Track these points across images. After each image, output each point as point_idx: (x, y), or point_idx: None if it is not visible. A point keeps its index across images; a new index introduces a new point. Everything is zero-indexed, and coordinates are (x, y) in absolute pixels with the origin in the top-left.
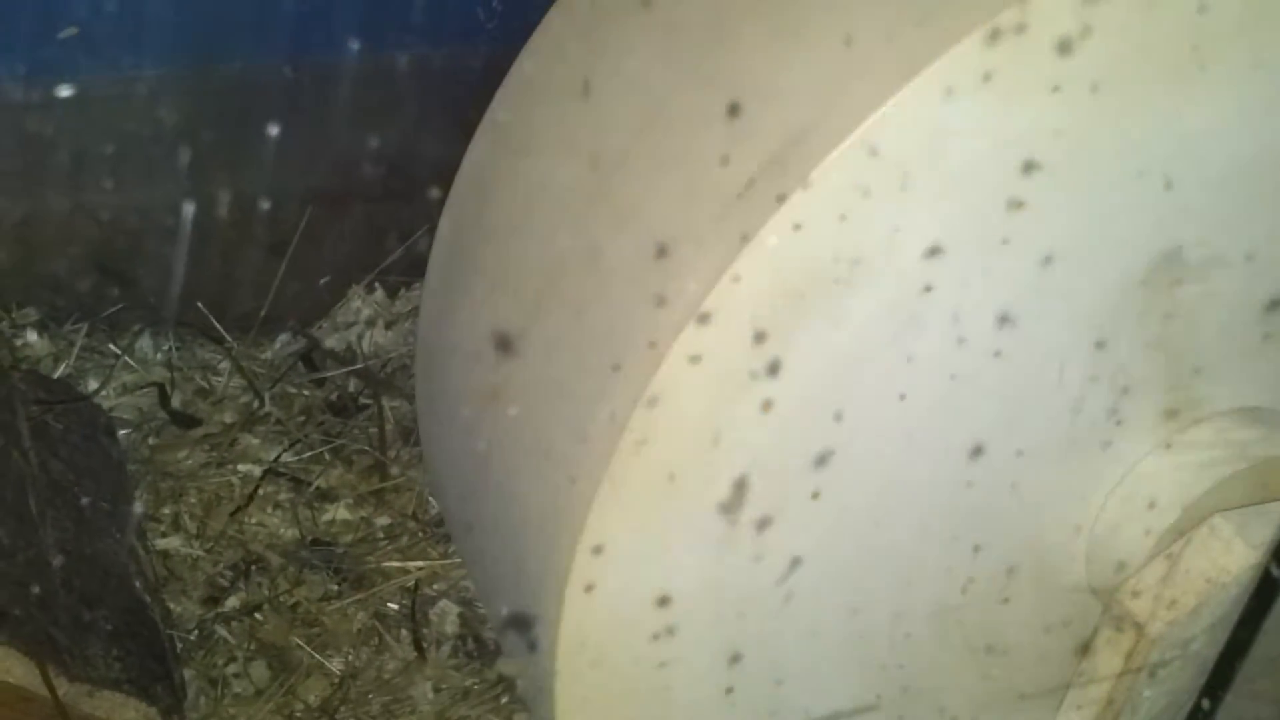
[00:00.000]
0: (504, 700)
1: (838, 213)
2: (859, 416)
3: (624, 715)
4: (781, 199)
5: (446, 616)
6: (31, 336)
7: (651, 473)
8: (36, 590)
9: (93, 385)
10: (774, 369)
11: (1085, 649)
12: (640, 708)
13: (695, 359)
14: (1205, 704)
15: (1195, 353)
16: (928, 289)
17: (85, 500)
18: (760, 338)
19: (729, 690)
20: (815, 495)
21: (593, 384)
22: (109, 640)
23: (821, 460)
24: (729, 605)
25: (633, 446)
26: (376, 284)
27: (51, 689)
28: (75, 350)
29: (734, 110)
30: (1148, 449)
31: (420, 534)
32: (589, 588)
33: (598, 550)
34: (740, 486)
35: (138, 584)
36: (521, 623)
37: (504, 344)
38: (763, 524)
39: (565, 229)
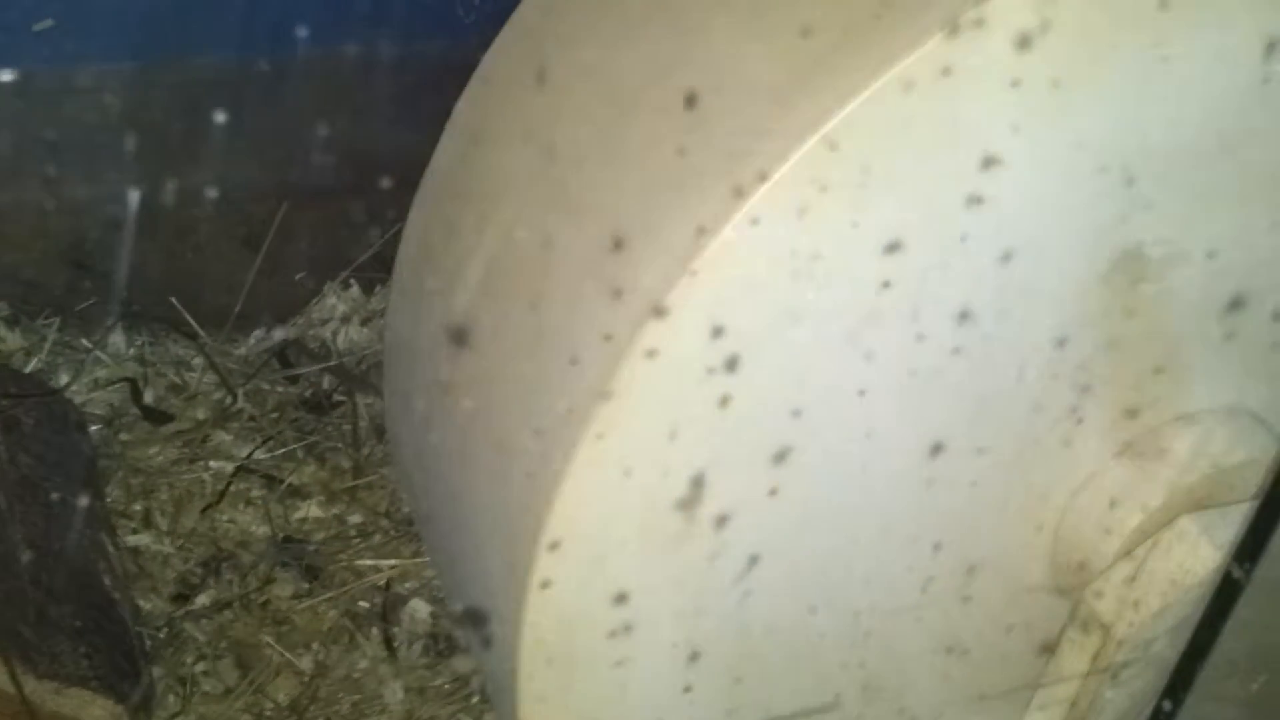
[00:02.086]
0: (474, 700)
1: (796, 207)
2: (818, 413)
3: (581, 713)
4: (739, 193)
5: (417, 615)
6: (3, 331)
7: (608, 468)
8: (3, 586)
9: (64, 380)
10: (732, 364)
11: (1047, 649)
12: (597, 706)
13: (652, 353)
14: (1166, 706)
15: (1156, 351)
16: (886, 285)
17: (55, 496)
18: (718, 332)
19: (687, 688)
20: (774, 492)
21: (548, 378)
22: (77, 637)
23: (780, 457)
24: (687, 603)
25: (589, 441)
26: (352, 280)
27: (18, 686)
28: (47, 345)
29: (691, 101)
30: (1109, 448)
31: (392, 532)
32: (545, 584)
33: (554, 546)
34: (698, 483)
35: (107, 580)
36: (478, 618)
37: (458, 337)
38: (721, 521)
39: (520, 220)
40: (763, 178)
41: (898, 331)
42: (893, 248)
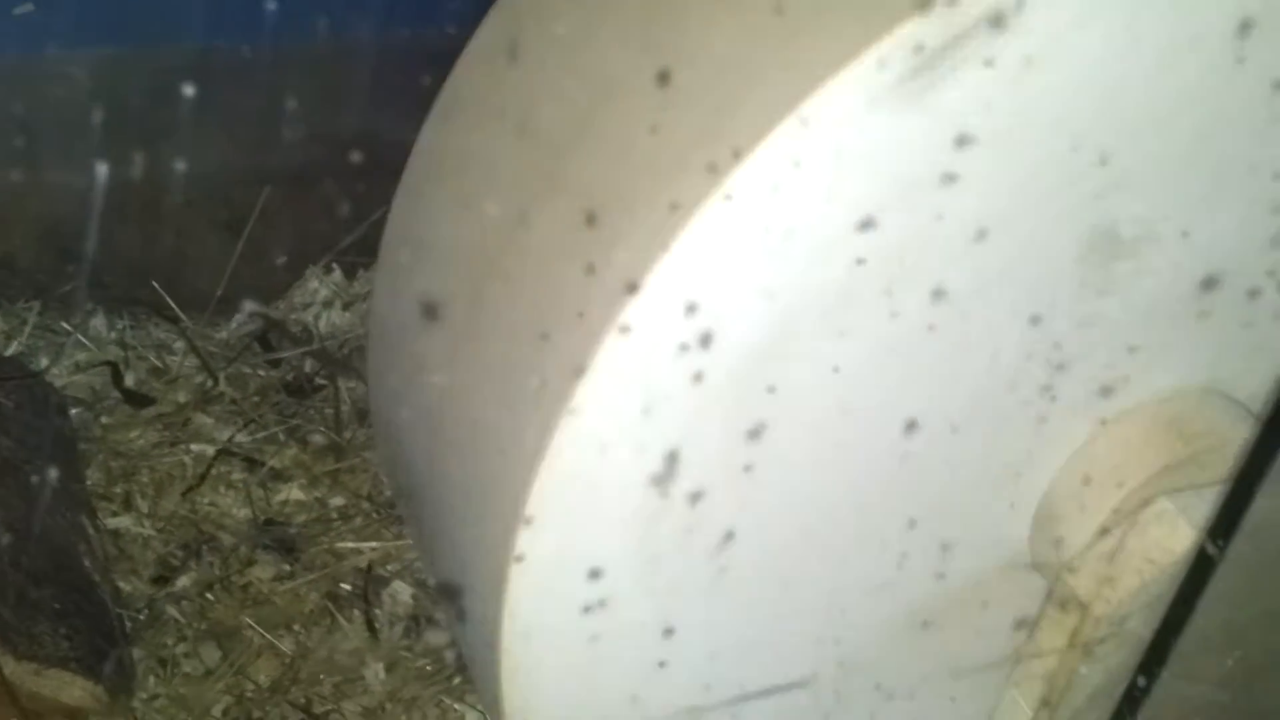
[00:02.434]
0: (456, 680)
1: (769, 184)
2: (792, 390)
3: (555, 688)
4: (712, 169)
5: (399, 597)
6: None
7: (581, 444)
8: None
9: (45, 363)
10: (705, 341)
11: (1022, 624)
12: (573, 680)
13: (625, 329)
14: (1141, 682)
15: (1130, 330)
16: (860, 262)
17: (35, 478)
18: (691, 309)
19: (662, 664)
20: (748, 468)
21: (521, 353)
22: (57, 619)
23: (754, 433)
24: (662, 578)
25: (562, 417)
26: (334, 264)
27: None
28: (28, 328)
29: (663, 79)
30: (1084, 426)
31: (374, 515)
32: (519, 559)
33: (528, 521)
34: (672, 459)
35: (87, 563)
36: (454, 593)
37: (429, 311)
38: (695, 497)
39: (492, 196)
40: (736, 155)
41: (872, 309)
42: (866, 225)
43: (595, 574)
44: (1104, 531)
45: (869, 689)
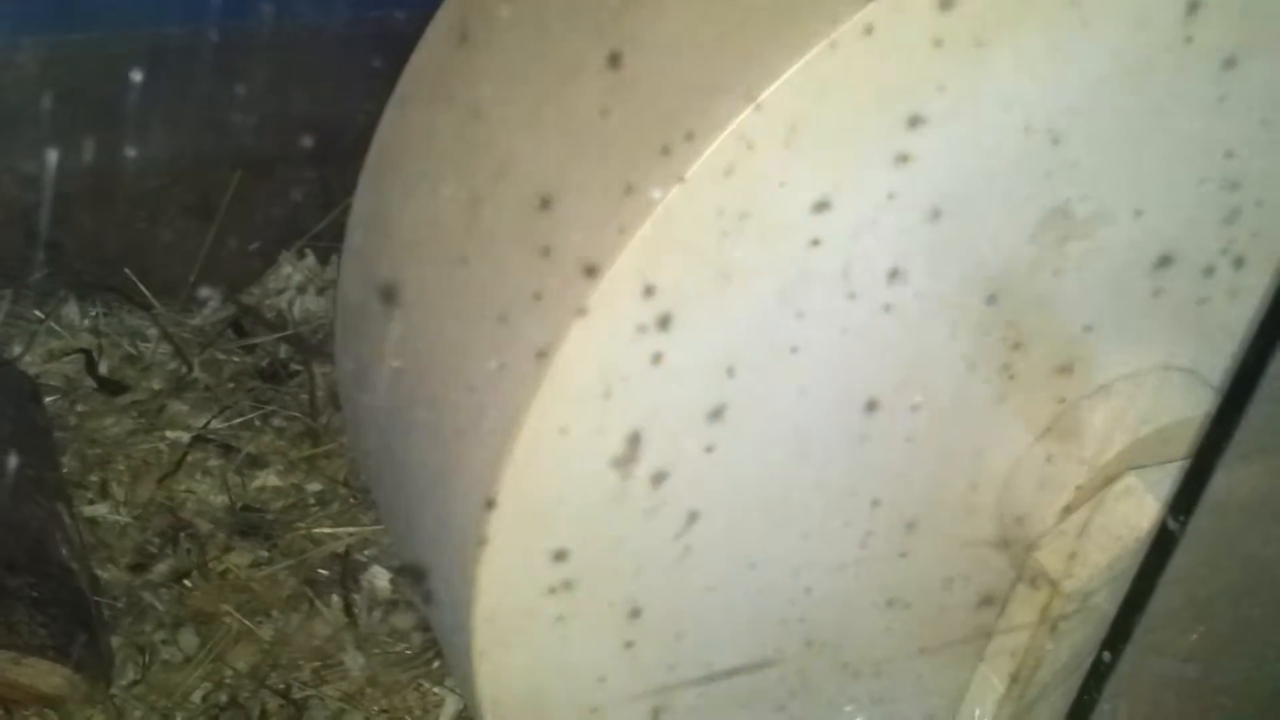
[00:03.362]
0: (435, 664)
1: (723, 167)
2: (751, 371)
3: (524, 669)
4: (666, 152)
5: (377, 582)
6: None
7: (542, 426)
8: None
9: (18, 352)
10: (664, 323)
11: (988, 602)
12: (539, 661)
13: (582, 311)
14: (1106, 657)
15: (1086, 309)
16: (816, 243)
17: (10, 467)
18: (649, 291)
19: (629, 644)
20: (710, 449)
21: (479, 336)
22: (34, 607)
23: (715, 414)
24: (627, 559)
25: (521, 399)
26: (307, 250)
27: None
28: (0, 316)
29: (614, 60)
30: (1043, 404)
31: (351, 500)
32: (481, 542)
33: (490, 504)
34: (634, 441)
35: (64, 551)
36: (420, 575)
37: (387, 295)
38: (658, 478)
39: (445, 179)
40: (690, 137)
41: (829, 289)
42: (821, 206)
43: (560, 555)
44: (1068, 509)
45: (836, 667)
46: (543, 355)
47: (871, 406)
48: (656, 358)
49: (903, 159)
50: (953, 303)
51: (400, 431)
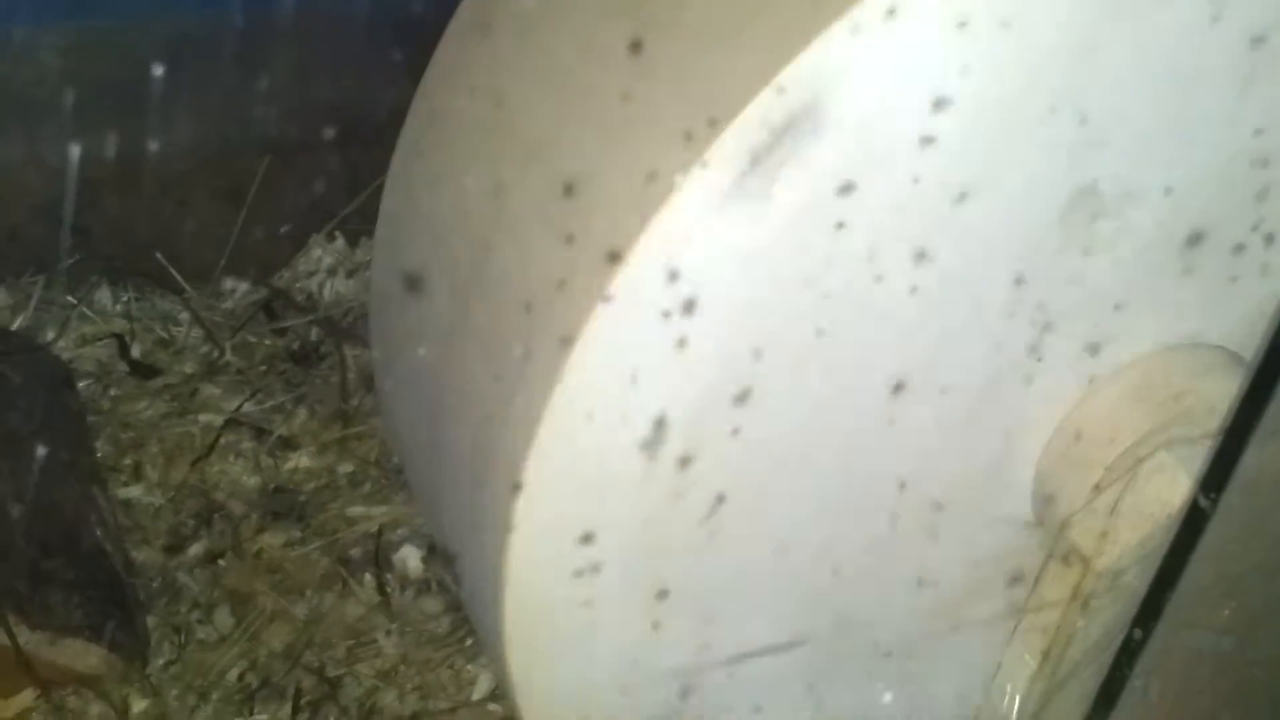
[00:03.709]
0: (468, 643)
1: (747, 152)
2: (777, 354)
3: (552, 652)
4: (689, 138)
5: (410, 561)
6: None
7: (568, 412)
8: None
9: (51, 337)
10: (689, 307)
11: (1017, 580)
12: (568, 644)
13: (607, 298)
14: (1137, 634)
15: (1115, 288)
16: (841, 226)
17: (44, 451)
18: (673, 276)
19: (657, 625)
20: (736, 432)
21: (504, 323)
22: (70, 588)
23: (741, 398)
24: (654, 542)
25: (549, 386)
26: (337, 233)
27: (12, 637)
28: (33, 302)
29: (636, 47)
30: (1072, 384)
31: (383, 481)
32: (508, 527)
33: (517, 489)
34: (660, 424)
35: (99, 533)
36: (451, 558)
37: (413, 284)
38: (684, 461)
39: (470, 168)
40: (713, 123)
41: (855, 272)
42: (846, 189)
43: (587, 539)
44: (1099, 488)
45: (865, 647)
46: (567, 342)
47: (898, 388)
48: (681, 342)
49: (928, 141)
50: (980, 284)
51: (429, 417)
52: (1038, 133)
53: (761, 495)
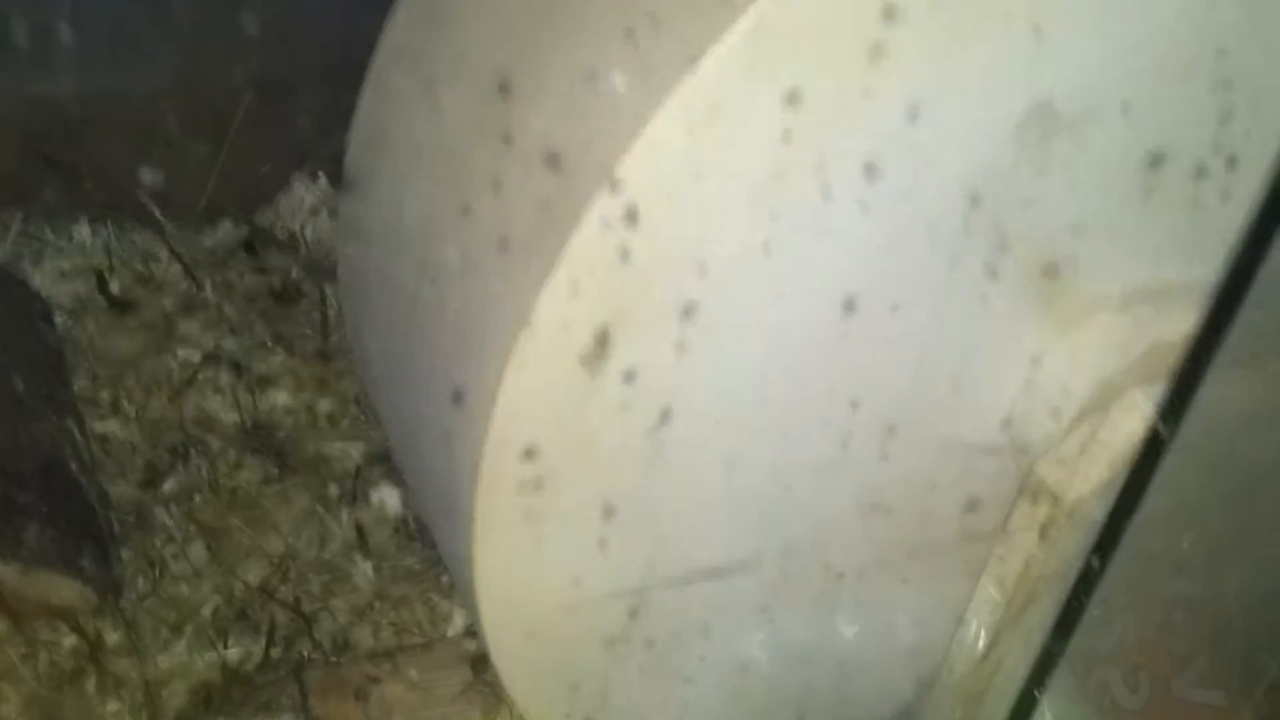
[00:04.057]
0: (444, 579)
1: (687, 54)
2: (724, 269)
3: (501, 568)
4: (629, 35)
5: (387, 499)
6: None
7: (505, 319)
8: None
9: (29, 270)
10: (631, 217)
11: (973, 507)
12: (514, 559)
13: (544, 203)
14: (1094, 563)
15: (1073, 209)
16: (788, 137)
17: (20, 384)
18: (615, 184)
19: (604, 543)
20: (681, 347)
21: (439, 226)
22: (44, 521)
23: (687, 312)
24: (598, 458)
25: (483, 292)
26: (320, 172)
27: None
28: (11, 236)
29: None
30: (1028, 307)
31: (361, 419)
32: (449, 437)
33: (457, 399)
34: (602, 338)
35: (74, 466)
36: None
37: (349, 185)
38: (629, 376)
39: (406, 70)
40: (654, 22)
41: (803, 186)
42: (792, 99)
43: (529, 453)
44: (1071, 426)
45: (818, 570)
46: (505, 247)
47: (850, 306)
48: (624, 253)
49: (877, 51)
50: (933, 201)
51: (370, 323)
52: (990, 46)
53: (709, 412)
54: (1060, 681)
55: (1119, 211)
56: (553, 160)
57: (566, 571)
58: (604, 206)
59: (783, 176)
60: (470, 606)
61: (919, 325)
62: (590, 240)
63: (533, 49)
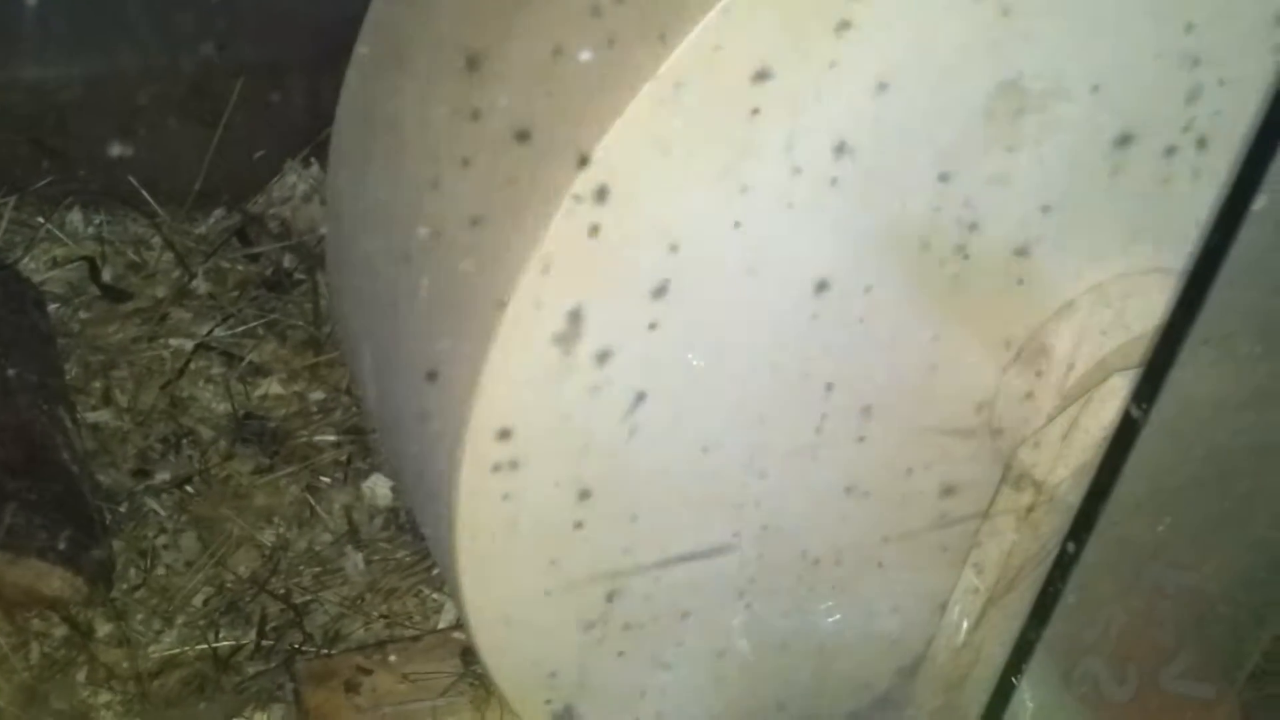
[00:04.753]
0: (434, 571)
1: (655, 32)
2: (694, 247)
3: (478, 549)
4: (595, 12)
5: (378, 490)
6: None
7: (477, 298)
8: None
9: (21, 258)
10: (601, 194)
11: (949, 491)
12: (489, 540)
13: (512, 179)
14: (1070, 547)
15: (1043, 188)
16: (756, 113)
17: (12, 372)
18: (583, 160)
19: (579, 525)
20: (654, 327)
21: (408, 201)
22: (35, 510)
23: (658, 291)
24: (573, 439)
25: (453, 269)
26: (312, 158)
27: None
28: (3, 223)
29: None
30: (1000, 288)
31: (353, 409)
32: (423, 416)
33: (431, 377)
34: (575, 317)
35: (65, 455)
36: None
37: (332, 163)
38: (602, 356)
39: (377, 43)
40: None
41: (772, 163)
42: (761, 75)
43: (504, 434)
44: (1050, 412)
45: (795, 554)
46: (476, 224)
47: (822, 287)
48: (594, 229)
49: (844, 26)
50: (903, 179)
51: (355, 307)
52: (958, 22)
53: (683, 393)
54: (1042, 671)
55: (1089, 191)
56: (522, 137)
57: (543, 554)
58: (574, 183)
59: (752, 153)
60: (452, 590)
61: (892, 306)
62: (560, 218)
63: (501, 25)
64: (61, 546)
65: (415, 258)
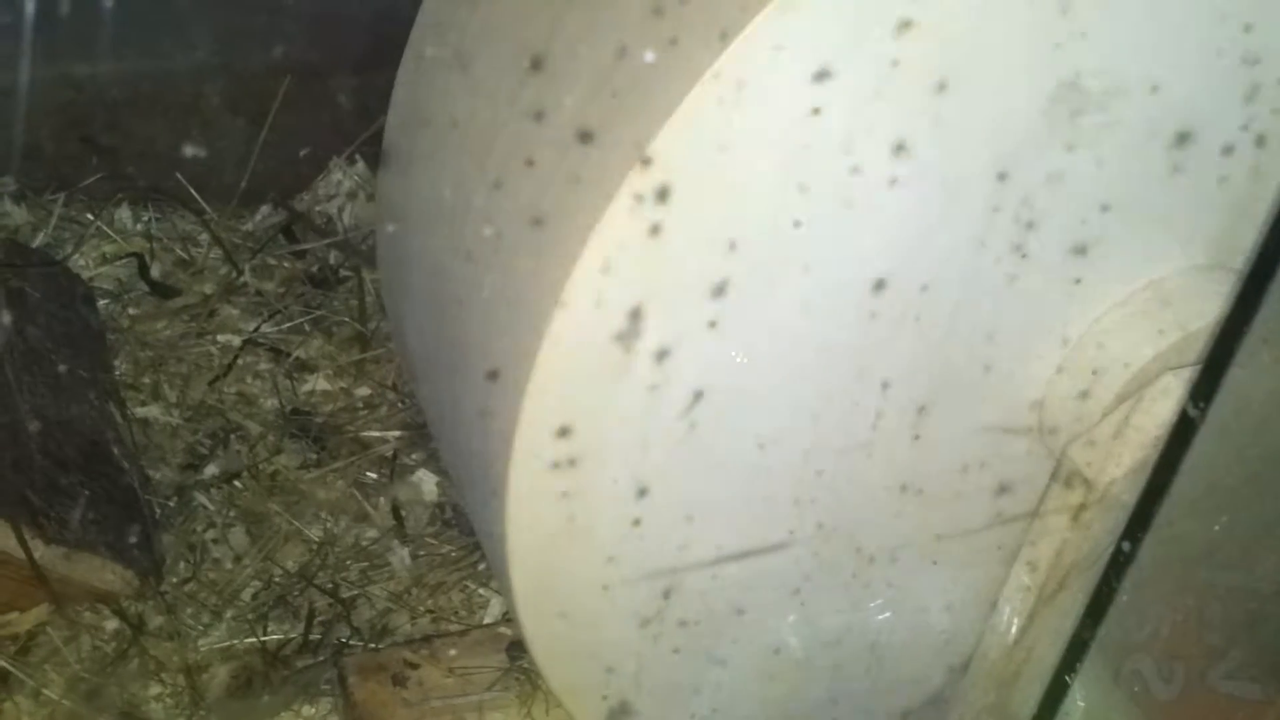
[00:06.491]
0: (481, 566)
1: (718, 30)
2: (754, 246)
3: (535, 546)
4: (659, 12)
5: (424, 485)
6: (9, 206)
7: (540, 297)
8: (11, 454)
9: (71, 254)
10: (662, 194)
11: (1004, 490)
12: (547, 538)
13: (576, 179)
14: (1126, 546)
15: (1101, 187)
16: (816, 112)
17: (63, 368)
18: (646, 160)
19: (637, 522)
20: (713, 326)
21: (471, 201)
22: (86, 505)
23: (718, 290)
24: (631, 437)
25: (516, 268)
26: (358, 156)
27: (27, 551)
28: (53, 220)
29: None
30: (1057, 287)
31: (399, 404)
32: (485, 414)
33: (492, 376)
34: (635, 315)
35: (116, 450)
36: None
37: (384, 160)
38: (661, 354)
39: (440, 45)
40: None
41: (832, 162)
42: (822, 75)
43: (564, 431)
44: (1104, 410)
45: (849, 551)
46: (538, 223)
47: (879, 285)
48: (655, 229)
49: (905, 25)
50: (961, 178)
51: (411, 305)
52: (1018, 22)
53: (740, 390)
54: (1093, 670)
55: (1147, 190)
56: (585, 137)
57: (600, 551)
58: (635, 183)
59: (812, 152)
60: (505, 588)
61: (949, 305)
62: (622, 217)
63: (564, 25)
64: (113, 541)
65: (477, 256)
